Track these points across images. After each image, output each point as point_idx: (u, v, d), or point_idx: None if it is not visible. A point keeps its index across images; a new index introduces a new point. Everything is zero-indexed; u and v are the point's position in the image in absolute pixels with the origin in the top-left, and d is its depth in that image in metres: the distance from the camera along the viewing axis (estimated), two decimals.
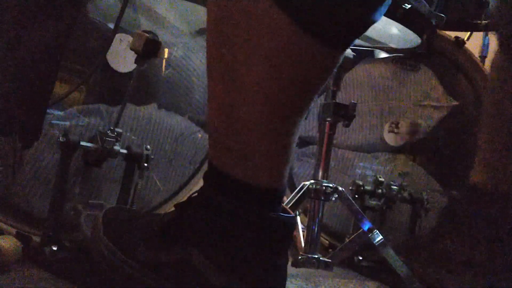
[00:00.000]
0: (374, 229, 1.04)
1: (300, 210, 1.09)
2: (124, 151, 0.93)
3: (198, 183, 1.19)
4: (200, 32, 1.16)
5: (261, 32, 0.56)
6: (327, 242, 1.35)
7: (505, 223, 0.99)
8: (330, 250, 1.29)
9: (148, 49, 0.88)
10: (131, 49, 0.89)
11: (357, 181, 1.28)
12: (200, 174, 1.20)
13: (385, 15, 0.91)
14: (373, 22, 0.59)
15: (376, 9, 0.57)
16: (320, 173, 1.04)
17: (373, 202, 1.28)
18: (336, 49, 0.59)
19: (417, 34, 1.00)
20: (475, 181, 1.05)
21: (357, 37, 0.61)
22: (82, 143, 0.87)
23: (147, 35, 0.88)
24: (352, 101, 1.05)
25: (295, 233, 1.05)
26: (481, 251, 0.98)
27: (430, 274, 1.01)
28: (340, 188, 1.04)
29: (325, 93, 1.09)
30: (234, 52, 0.57)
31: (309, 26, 0.55)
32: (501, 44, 1.02)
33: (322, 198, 1.02)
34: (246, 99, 0.58)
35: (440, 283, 0.99)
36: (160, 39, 0.89)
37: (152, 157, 0.96)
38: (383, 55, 1.16)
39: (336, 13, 0.55)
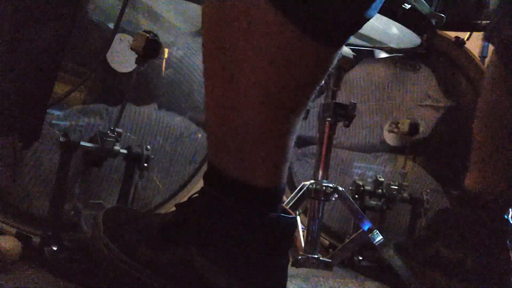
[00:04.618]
0: (374, 229, 1.04)
1: (300, 210, 1.09)
2: (124, 151, 0.93)
3: (198, 183, 1.19)
4: (200, 32, 1.16)
5: (257, 32, 0.56)
6: (327, 242, 1.35)
7: (494, 226, 1.00)
8: (330, 250, 1.29)
9: (149, 49, 0.88)
10: (132, 49, 0.89)
11: (357, 181, 1.28)
12: (200, 174, 1.20)
13: (385, 15, 0.91)
14: (368, 19, 0.59)
15: (370, 5, 0.57)
16: (320, 173, 1.04)
17: (373, 202, 1.28)
18: (332, 47, 0.59)
19: (417, 34, 1.00)
20: (468, 185, 1.06)
21: (352, 34, 0.61)
22: (82, 143, 0.87)
23: (148, 35, 0.88)
24: (352, 101, 1.05)
25: (295, 233, 1.05)
26: (471, 254, 0.98)
27: (426, 274, 1.02)
28: (340, 188, 1.04)
29: (325, 93, 1.09)
30: (230, 53, 0.57)
31: (305, 25, 0.55)
32: (497, 49, 1.02)
33: (322, 198, 1.01)
34: (243, 98, 0.58)
35: (434, 283, 1.00)
36: (160, 39, 0.89)
37: (152, 157, 0.96)
38: (383, 55, 1.16)
39: (331, 11, 0.55)
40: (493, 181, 1.03)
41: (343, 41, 0.60)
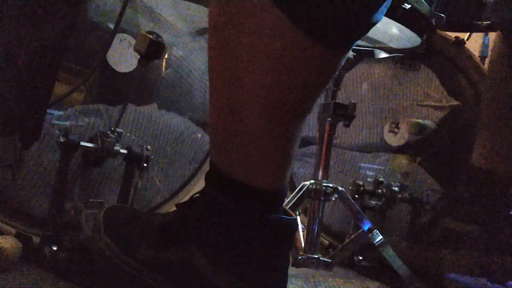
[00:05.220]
0: (374, 229, 1.04)
1: (300, 210, 1.09)
2: (124, 151, 0.92)
3: (198, 183, 1.19)
4: (200, 32, 1.16)
5: (264, 35, 0.56)
6: (327, 242, 1.35)
7: (500, 202, 1.02)
8: (330, 250, 1.29)
9: (152, 50, 0.87)
10: (135, 50, 0.89)
11: (357, 181, 1.28)
12: (200, 174, 1.20)
13: (385, 15, 0.91)
14: (375, 23, 0.59)
15: (377, 9, 0.57)
16: (320, 173, 1.04)
17: (373, 202, 1.28)
18: (338, 51, 0.59)
19: (417, 34, 1.00)
20: (474, 162, 1.07)
21: (359, 38, 0.61)
22: (82, 143, 0.87)
23: (151, 36, 0.87)
24: (352, 101, 1.05)
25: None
26: (478, 228, 1.00)
27: (430, 257, 1.03)
28: (340, 188, 1.04)
29: (325, 93, 1.09)
30: (236, 55, 0.57)
31: (310, 28, 0.55)
32: (505, 37, 1.03)
33: (322, 198, 1.01)
34: (248, 101, 0.58)
35: (440, 261, 1.01)
36: (163, 41, 0.89)
37: (152, 157, 0.96)
38: (383, 55, 1.16)
39: (338, 15, 0.55)
40: (499, 157, 1.04)
41: (349, 46, 0.60)
